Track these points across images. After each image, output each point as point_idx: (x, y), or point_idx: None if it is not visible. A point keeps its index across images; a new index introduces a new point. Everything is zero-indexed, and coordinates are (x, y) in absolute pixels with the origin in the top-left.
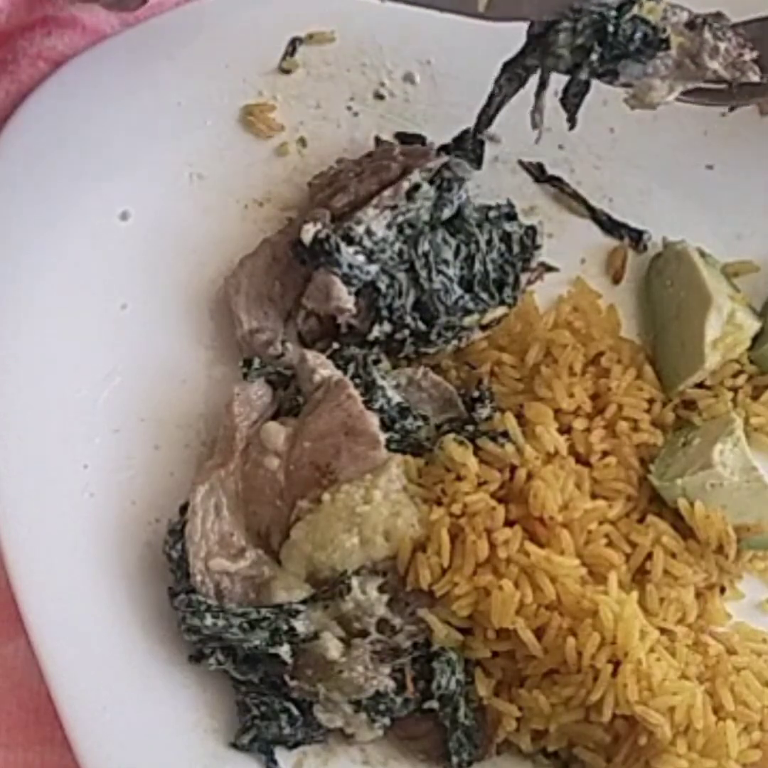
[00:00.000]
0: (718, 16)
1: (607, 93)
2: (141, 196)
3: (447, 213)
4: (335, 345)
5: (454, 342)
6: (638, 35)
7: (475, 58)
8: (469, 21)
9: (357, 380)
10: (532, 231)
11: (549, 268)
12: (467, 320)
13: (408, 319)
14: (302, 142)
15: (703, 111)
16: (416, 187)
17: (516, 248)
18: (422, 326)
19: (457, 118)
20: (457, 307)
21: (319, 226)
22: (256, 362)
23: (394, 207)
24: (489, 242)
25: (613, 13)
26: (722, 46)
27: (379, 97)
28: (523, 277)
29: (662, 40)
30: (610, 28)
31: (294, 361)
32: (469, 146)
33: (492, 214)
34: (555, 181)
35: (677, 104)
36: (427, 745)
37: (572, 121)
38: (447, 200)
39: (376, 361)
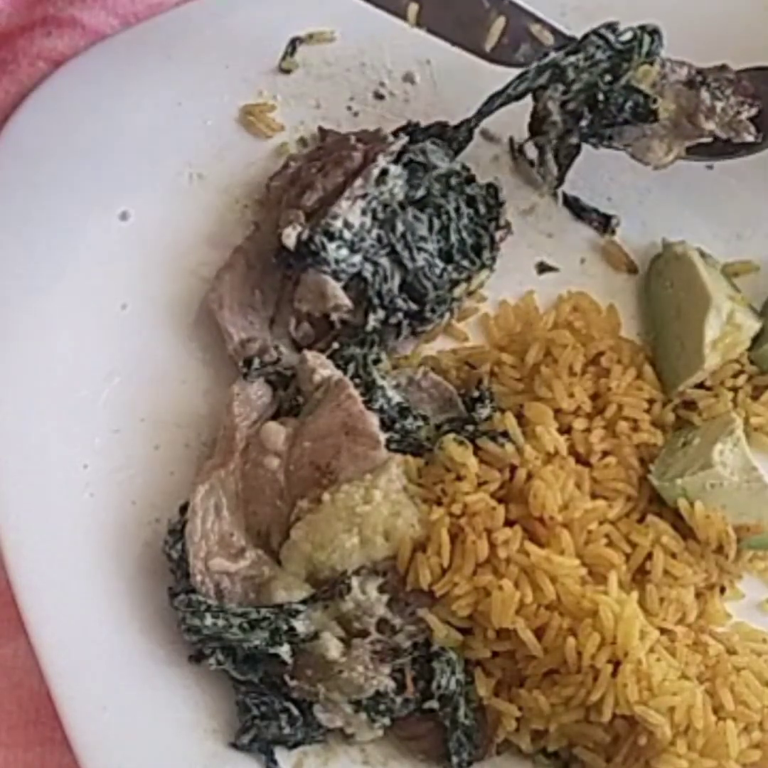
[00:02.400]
0: (722, 68)
1: None
2: (141, 196)
3: (420, 193)
4: (335, 345)
5: (448, 314)
6: (629, 105)
7: (474, 58)
8: None
9: (357, 380)
10: (493, 189)
11: (549, 268)
12: (456, 291)
13: (399, 302)
14: (302, 142)
15: None
16: (384, 171)
17: (482, 209)
18: (414, 306)
19: (457, 117)
20: (443, 280)
21: (298, 228)
22: (256, 362)
23: (365, 195)
24: (457, 209)
25: (608, 78)
26: (719, 105)
27: (379, 97)
28: (497, 235)
29: (651, 111)
30: (601, 97)
31: (293, 362)
32: (457, 135)
33: (453, 181)
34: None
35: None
36: (427, 745)
37: (561, 181)
38: (417, 182)
39: (376, 361)
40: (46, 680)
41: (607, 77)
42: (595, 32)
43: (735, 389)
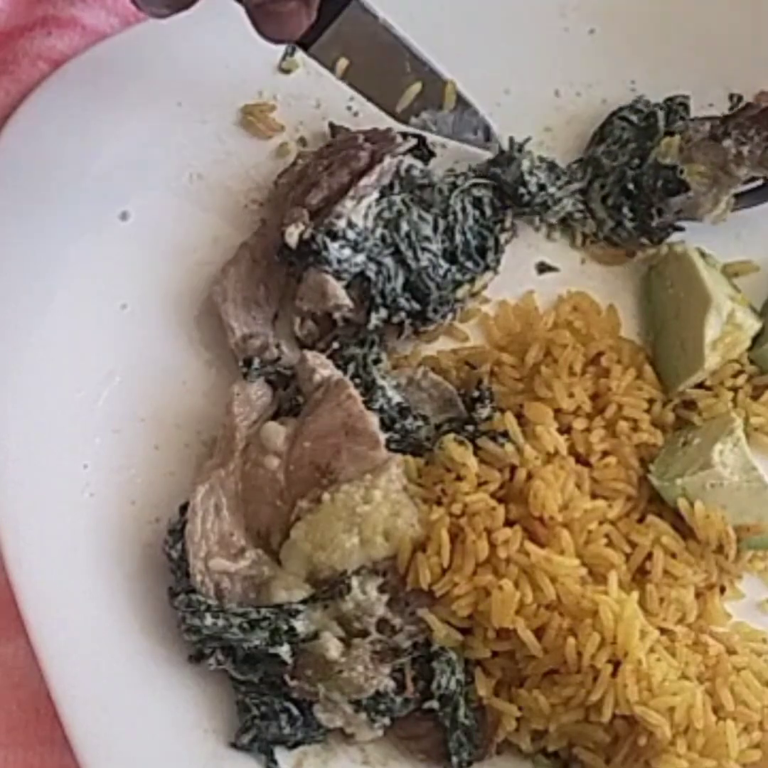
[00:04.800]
0: (745, 108)
1: (606, 91)
2: (141, 196)
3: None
4: (335, 345)
5: (450, 315)
6: (660, 183)
7: (475, 58)
8: (468, 21)
9: (357, 380)
10: (500, 192)
11: (549, 268)
12: (460, 292)
13: (402, 302)
14: (302, 142)
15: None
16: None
17: (488, 211)
18: (417, 306)
19: None
20: (446, 281)
21: (301, 226)
22: (256, 362)
23: (371, 194)
24: (463, 210)
25: (636, 161)
26: (745, 150)
27: None
28: (502, 238)
29: (681, 182)
30: (631, 185)
31: (294, 362)
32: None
33: (459, 181)
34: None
35: None
36: (427, 745)
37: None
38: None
39: (376, 361)
40: (46, 680)
41: (636, 161)
42: (615, 114)
43: (735, 389)
